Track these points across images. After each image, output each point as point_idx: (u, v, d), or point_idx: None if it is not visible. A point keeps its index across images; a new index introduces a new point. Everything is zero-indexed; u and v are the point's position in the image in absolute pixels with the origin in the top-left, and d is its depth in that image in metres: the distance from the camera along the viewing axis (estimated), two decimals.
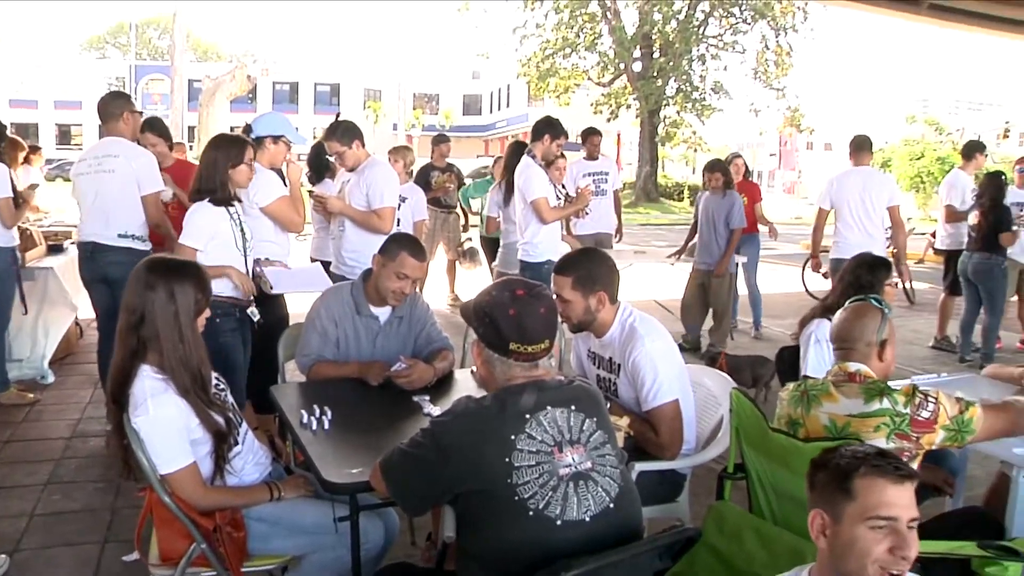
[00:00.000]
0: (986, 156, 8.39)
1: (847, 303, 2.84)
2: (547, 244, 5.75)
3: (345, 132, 4.80)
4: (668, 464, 3.02)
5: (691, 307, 7.57)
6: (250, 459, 2.74)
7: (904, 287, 10.67)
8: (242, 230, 4.07)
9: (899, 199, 7.04)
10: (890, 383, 2.60)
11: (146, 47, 65.41)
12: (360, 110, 50.64)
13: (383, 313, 3.55)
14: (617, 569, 1.98)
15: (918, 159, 30.71)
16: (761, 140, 47.47)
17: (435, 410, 2.98)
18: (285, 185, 4.57)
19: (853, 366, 2.64)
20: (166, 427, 2.45)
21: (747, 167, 8.74)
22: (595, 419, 2.15)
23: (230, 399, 2.75)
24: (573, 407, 2.12)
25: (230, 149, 4.04)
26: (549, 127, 5.82)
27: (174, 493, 2.48)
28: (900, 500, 1.71)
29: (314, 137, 5.32)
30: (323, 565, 2.65)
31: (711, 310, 7.57)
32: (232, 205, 4.04)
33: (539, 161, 5.74)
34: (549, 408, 2.08)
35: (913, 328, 9.02)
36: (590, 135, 8.25)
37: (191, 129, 26.66)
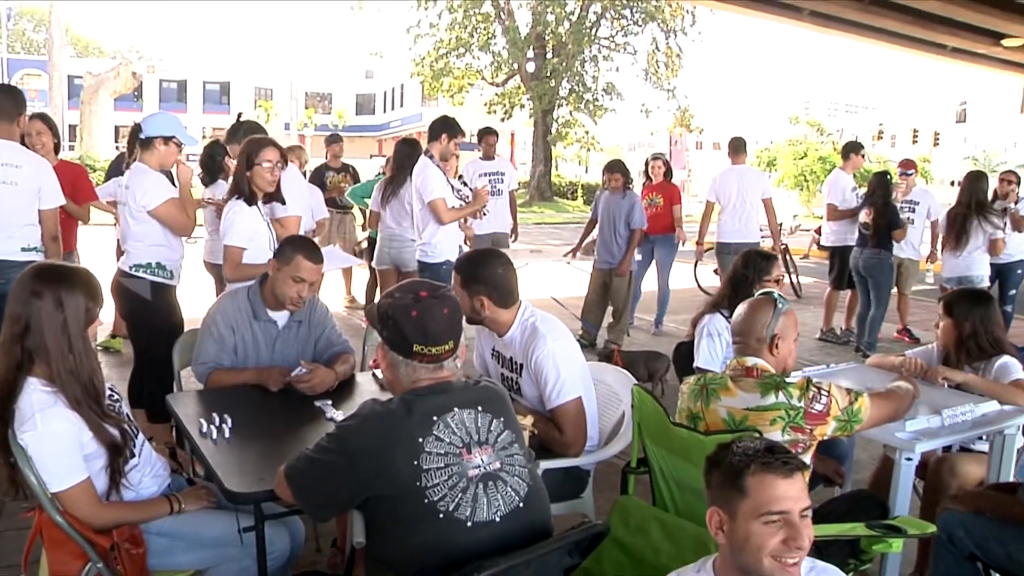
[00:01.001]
0: (863, 156, 8.80)
1: (753, 298, 2.95)
2: (445, 244, 5.74)
3: (248, 134, 4.64)
4: (572, 461, 3.06)
5: (593, 305, 7.69)
6: (147, 471, 2.65)
7: (791, 281, 11.10)
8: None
9: (771, 192, 8.36)
10: (788, 379, 2.70)
11: (19, 39, 62.25)
12: (251, 109, 49.38)
13: (281, 317, 3.49)
14: (528, 568, 1.99)
15: (801, 158, 31.95)
16: (652, 140, 48.48)
17: (338, 414, 2.95)
18: (175, 187, 4.44)
19: (751, 360, 2.73)
20: (56, 442, 2.35)
21: (668, 168, 8.73)
22: (502, 419, 2.17)
23: (125, 410, 2.66)
24: (480, 408, 2.14)
25: (248, 150, 4.18)
26: (446, 127, 5.81)
27: (66, 511, 2.38)
28: (790, 493, 1.78)
29: (204, 137, 5.12)
30: None
31: (611, 308, 7.71)
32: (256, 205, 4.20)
33: (436, 161, 5.73)
34: (456, 410, 2.09)
35: (800, 321, 9.32)
36: (486, 135, 8.27)
37: (72, 128, 25.57)
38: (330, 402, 3.10)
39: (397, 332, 2.14)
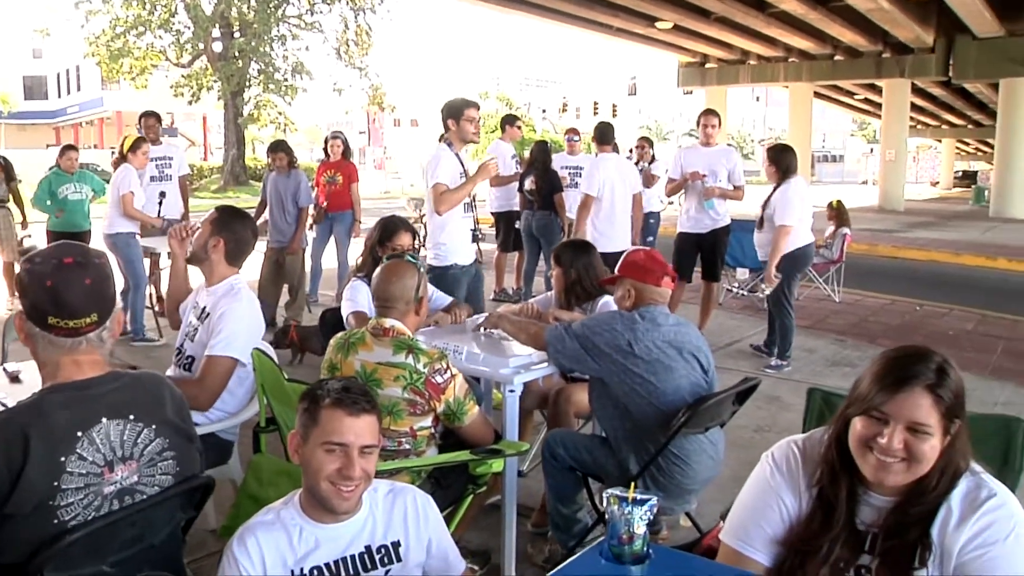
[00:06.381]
0: (519, 128, 9.54)
1: (384, 261, 3.21)
2: (453, 247, 5.61)
3: None
4: (209, 428, 3.17)
5: (268, 284, 7.75)
6: None
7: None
8: None
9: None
10: (422, 344, 2.99)
11: None
12: None
13: None
14: (133, 526, 2.08)
15: (492, 132, 33.33)
16: (349, 119, 48.39)
17: None
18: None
19: (388, 322, 3.00)
20: None
21: (346, 146, 8.89)
22: (154, 426, 2.10)
23: None
24: (132, 416, 2.06)
25: None
26: (450, 112, 5.37)
27: None
28: (354, 429, 2.03)
29: None
30: None
31: (286, 286, 7.83)
32: None
33: (455, 149, 5.38)
34: (104, 421, 2.00)
35: None
36: (146, 118, 8.05)
37: None
38: None
39: (30, 301, 1.99)
